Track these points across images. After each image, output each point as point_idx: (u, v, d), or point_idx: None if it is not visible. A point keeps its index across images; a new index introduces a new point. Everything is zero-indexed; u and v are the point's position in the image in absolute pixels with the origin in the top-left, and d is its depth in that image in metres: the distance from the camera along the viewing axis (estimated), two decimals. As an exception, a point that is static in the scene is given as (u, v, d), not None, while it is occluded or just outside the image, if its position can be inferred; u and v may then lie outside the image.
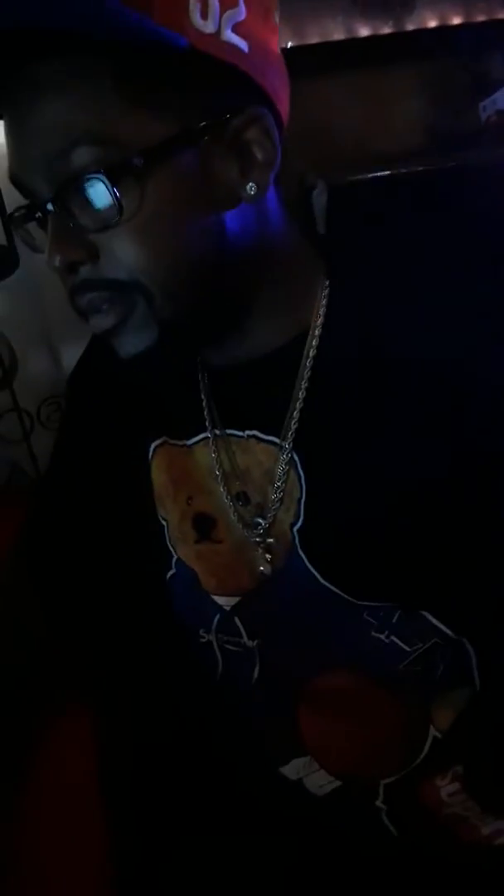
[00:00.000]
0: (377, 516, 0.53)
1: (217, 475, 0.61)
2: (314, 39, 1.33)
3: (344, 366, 0.55)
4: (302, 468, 0.57)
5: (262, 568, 0.59)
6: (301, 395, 0.56)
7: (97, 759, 0.64)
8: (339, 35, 1.37)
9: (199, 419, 0.63)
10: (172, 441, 0.65)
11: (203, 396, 0.63)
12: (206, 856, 0.65)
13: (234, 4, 0.48)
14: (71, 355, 1.31)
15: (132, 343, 0.52)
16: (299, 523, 0.57)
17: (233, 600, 0.62)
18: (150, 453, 0.66)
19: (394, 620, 0.55)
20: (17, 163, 0.50)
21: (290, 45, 1.32)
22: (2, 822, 0.57)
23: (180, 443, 0.64)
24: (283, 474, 0.58)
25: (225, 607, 0.62)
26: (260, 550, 0.59)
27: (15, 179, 0.51)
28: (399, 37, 1.38)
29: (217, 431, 0.62)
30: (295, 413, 0.57)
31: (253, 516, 0.60)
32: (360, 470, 0.54)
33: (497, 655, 0.56)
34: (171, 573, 0.65)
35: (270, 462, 0.59)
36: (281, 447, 0.58)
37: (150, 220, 0.47)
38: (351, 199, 0.73)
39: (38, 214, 0.51)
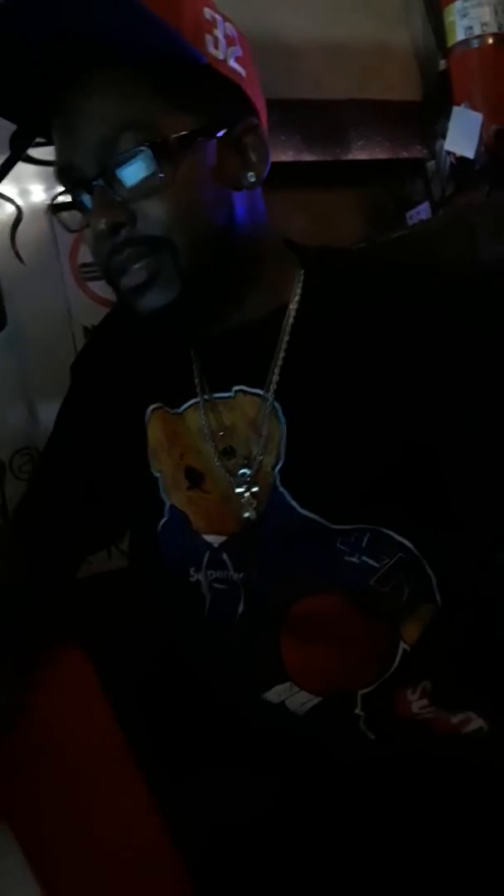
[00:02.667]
0: (348, 449, 0.66)
1: (206, 434, 0.73)
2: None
3: (316, 330, 0.69)
4: (283, 414, 0.70)
5: (247, 514, 0.70)
6: (281, 354, 0.70)
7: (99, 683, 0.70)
8: (287, 159, 1.64)
9: (189, 388, 0.75)
10: (164, 408, 0.77)
11: (194, 367, 0.76)
12: (198, 771, 0.70)
13: (234, 43, 0.67)
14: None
15: (157, 298, 0.65)
16: (280, 463, 0.69)
17: (221, 538, 0.73)
18: (147, 416, 0.78)
19: (363, 544, 0.66)
20: (70, 151, 0.65)
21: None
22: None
23: (172, 410, 0.76)
24: (266, 420, 0.70)
25: (214, 544, 0.73)
26: (247, 497, 0.70)
27: (63, 170, 0.67)
28: (339, 164, 1.67)
29: (206, 396, 0.74)
30: (276, 369, 0.70)
31: (238, 468, 0.71)
32: (332, 411, 0.67)
33: (453, 574, 0.67)
34: (163, 521, 0.76)
35: (254, 412, 0.71)
36: (264, 398, 0.70)
37: (180, 189, 0.63)
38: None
39: (85, 194, 0.66)
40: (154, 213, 0.63)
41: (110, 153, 0.63)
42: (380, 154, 1.73)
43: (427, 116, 1.82)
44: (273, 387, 0.70)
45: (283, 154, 1.70)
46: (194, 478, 0.74)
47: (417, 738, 0.66)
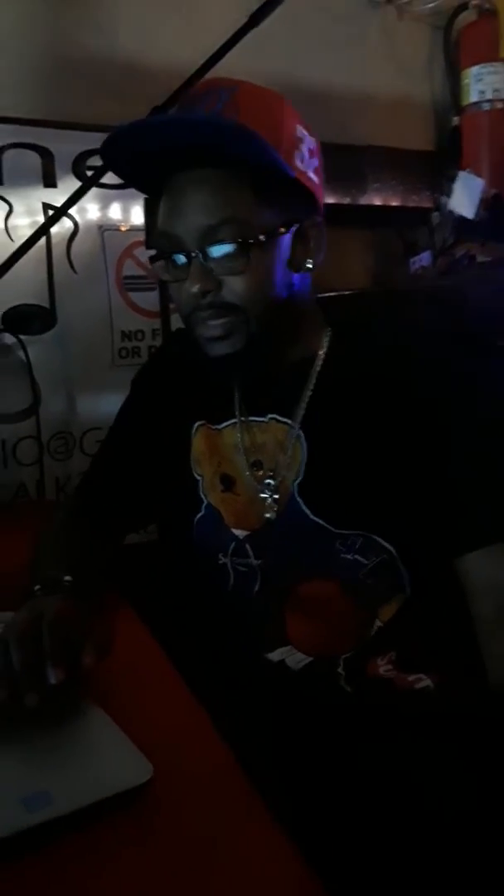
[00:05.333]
0: (353, 473, 0.84)
1: (240, 448, 0.91)
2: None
3: (337, 378, 0.87)
4: (305, 440, 0.87)
5: (267, 515, 0.90)
6: (308, 394, 0.88)
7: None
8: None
9: (229, 410, 0.92)
10: (207, 425, 0.94)
11: (236, 395, 0.93)
12: (213, 707, 0.90)
13: (314, 155, 0.85)
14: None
15: (226, 348, 0.82)
16: (299, 479, 0.87)
17: (245, 532, 0.91)
18: (194, 430, 0.96)
19: (357, 546, 0.84)
20: (176, 225, 0.80)
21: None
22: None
23: (213, 427, 0.94)
24: (292, 444, 0.88)
25: (240, 537, 0.91)
26: (269, 501, 0.90)
27: (167, 234, 0.81)
28: (355, 207, 1.88)
29: (243, 418, 0.92)
30: (304, 405, 0.88)
31: (264, 478, 0.90)
32: (345, 443, 0.85)
33: (420, 572, 0.86)
34: (199, 515, 0.95)
35: (283, 436, 0.88)
36: (292, 427, 0.88)
37: (258, 271, 0.80)
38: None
39: (184, 259, 0.80)
40: (236, 287, 0.79)
41: (210, 238, 0.78)
42: (392, 199, 1.95)
43: (437, 167, 2.04)
44: (300, 419, 0.88)
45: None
46: (227, 482, 0.92)
47: (382, 692, 0.87)
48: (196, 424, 0.96)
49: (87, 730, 0.65)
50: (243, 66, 1.88)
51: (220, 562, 0.94)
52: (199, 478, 0.95)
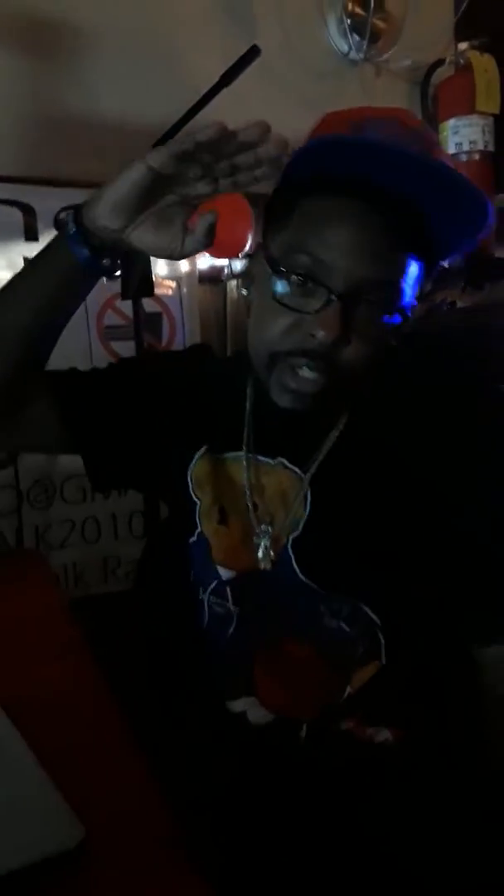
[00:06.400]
0: (357, 540, 0.78)
1: (241, 484, 0.84)
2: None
3: (356, 445, 0.79)
4: (311, 498, 0.80)
5: (263, 565, 0.82)
6: (326, 449, 0.80)
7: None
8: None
9: (235, 440, 0.84)
10: (212, 451, 0.86)
11: (246, 428, 0.84)
12: (170, 752, 0.87)
13: None
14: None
15: (302, 403, 0.73)
16: (296, 534, 0.81)
17: (230, 574, 0.85)
18: (199, 453, 0.87)
19: (343, 613, 0.79)
20: (334, 256, 0.68)
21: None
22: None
23: (216, 455, 0.86)
24: (296, 497, 0.81)
25: (223, 577, 0.85)
26: (260, 549, 0.82)
27: (316, 257, 0.69)
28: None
29: (250, 455, 0.84)
30: (318, 460, 0.80)
31: (260, 522, 0.83)
32: (349, 511, 0.79)
33: (398, 642, 0.82)
34: (192, 539, 0.88)
35: (288, 485, 0.82)
36: (300, 478, 0.81)
37: (385, 341, 0.71)
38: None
39: (325, 296, 0.69)
40: (360, 352, 0.70)
41: (369, 292, 0.69)
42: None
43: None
44: (311, 473, 0.80)
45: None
46: (223, 515, 0.85)
47: (342, 744, 0.85)
48: (203, 447, 0.87)
49: (17, 785, 0.63)
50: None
51: (199, 597, 0.90)
52: (197, 501, 0.88)
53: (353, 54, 1.99)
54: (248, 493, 0.84)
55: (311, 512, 0.80)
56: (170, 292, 1.74)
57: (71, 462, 1.63)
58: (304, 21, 1.95)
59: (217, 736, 0.90)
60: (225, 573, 0.86)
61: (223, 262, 1.82)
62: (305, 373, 0.71)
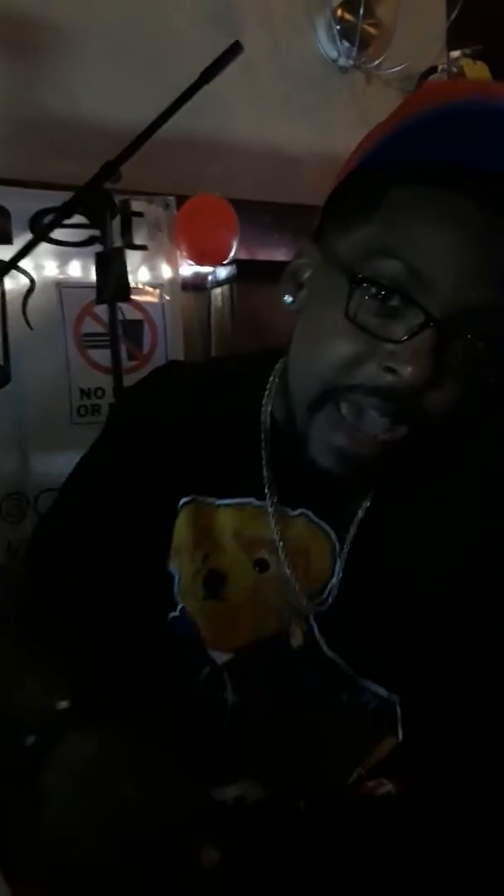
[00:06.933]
0: (390, 615, 0.62)
1: (244, 536, 0.64)
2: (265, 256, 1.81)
3: (401, 500, 0.63)
4: (344, 560, 0.62)
5: (295, 643, 0.63)
6: (365, 505, 0.62)
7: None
8: (280, 257, 1.84)
9: (243, 483, 0.64)
10: (201, 498, 0.65)
11: (265, 468, 0.64)
12: None
13: None
14: (39, 460, 1.57)
15: (345, 465, 0.56)
16: (323, 601, 0.62)
17: (226, 656, 0.64)
18: (179, 507, 0.66)
19: (366, 693, 0.63)
20: (435, 267, 0.50)
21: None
22: None
23: (209, 500, 0.65)
24: (326, 558, 0.62)
25: (217, 662, 0.64)
26: (291, 619, 0.63)
27: (410, 266, 0.51)
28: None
29: (261, 501, 0.64)
30: (356, 517, 0.62)
31: (276, 585, 0.63)
32: (390, 578, 0.62)
33: (416, 717, 0.66)
34: (174, 615, 0.67)
35: (312, 542, 0.63)
36: (329, 536, 0.62)
37: (484, 391, 0.54)
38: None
39: (420, 321, 0.51)
40: (451, 401, 0.53)
41: (483, 322, 0.52)
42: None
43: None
44: (351, 532, 0.62)
45: (276, 252, 1.90)
46: (215, 583, 0.65)
47: (341, 804, 0.69)
48: (184, 500, 0.67)
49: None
50: (208, 129, 1.93)
51: (187, 688, 0.69)
52: (173, 574, 0.67)
53: (342, 61, 1.95)
54: (246, 541, 0.65)
55: (344, 578, 0.63)
56: (152, 299, 1.68)
57: (45, 475, 1.60)
58: (293, 26, 1.92)
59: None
60: (219, 656, 0.65)
61: (207, 269, 1.77)
62: (372, 416, 0.53)
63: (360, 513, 0.63)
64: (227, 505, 0.65)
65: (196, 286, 1.80)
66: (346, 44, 1.93)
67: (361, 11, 1.88)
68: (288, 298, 0.62)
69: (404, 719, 0.65)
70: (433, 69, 2.04)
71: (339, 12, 1.91)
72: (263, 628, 0.64)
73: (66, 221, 1.32)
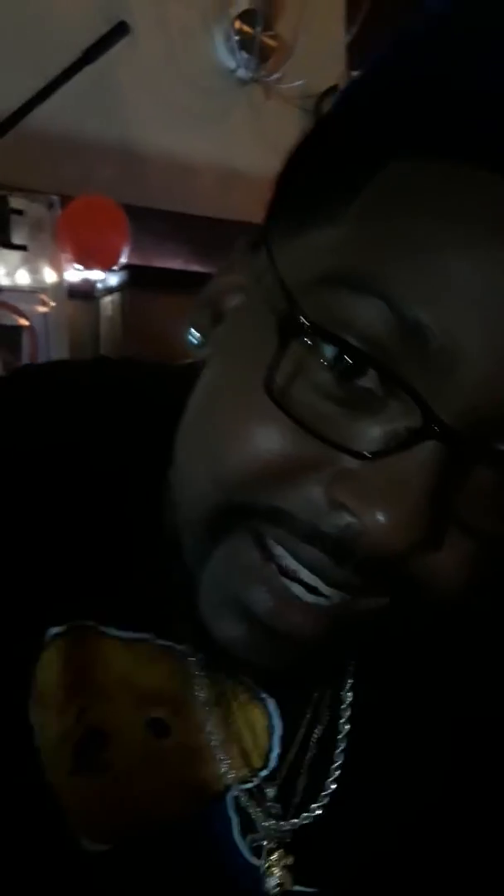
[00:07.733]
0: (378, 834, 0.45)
1: (143, 686, 0.42)
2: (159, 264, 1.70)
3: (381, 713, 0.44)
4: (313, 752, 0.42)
5: (275, 886, 0.41)
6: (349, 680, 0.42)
7: None
8: (176, 266, 1.74)
9: (140, 611, 0.41)
10: (80, 622, 0.41)
11: (202, 605, 0.37)
12: None
13: None
14: None
15: (273, 647, 0.33)
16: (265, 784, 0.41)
17: (102, 846, 0.43)
18: (47, 640, 0.41)
19: None
20: (471, 336, 0.27)
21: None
22: None
23: (103, 628, 0.41)
24: (265, 735, 0.42)
25: (91, 852, 0.43)
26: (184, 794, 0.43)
27: (417, 323, 0.27)
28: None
29: (163, 640, 0.41)
30: (347, 697, 0.42)
31: (180, 759, 0.42)
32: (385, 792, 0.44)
33: None
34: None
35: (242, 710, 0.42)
36: (264, 704, 0.42)
37: None
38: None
39: (419, 426, 0.27)
40: (463, 564, 0.30)
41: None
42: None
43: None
44: (343, 741, 0.42)
45: (172, 262, 1.80)
46: (89, 749, 0.42)
47: None
48: (54, 630, 0.41)
49: None
50: (99, 129, 1.83)
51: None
52: (35, 728, 0.43)
53: (241, 72, 1.90)
54: (148, 695, 0.42)
55: (340, 786, 0.42)
56: (33, 305, 1.54)
57: None
58: (189, 33, 1.86)
59: None
60: (96, 847, 0.43)
61: (97, 275, 1.64)
62: (298, 590, 0.31)
63: (347, 697, 0.42)
64: (115, 637, 0.41)
65: (85, 294, 1.67)
66: (245, 55, 1.87)
67: (260, 23, 1.84)
68: (194, 336, 0.37)
69: None
70: (333, 88, 2.01)
71: (238, 24, 1.87)
72: (159, 810, 0.42)
73: None
